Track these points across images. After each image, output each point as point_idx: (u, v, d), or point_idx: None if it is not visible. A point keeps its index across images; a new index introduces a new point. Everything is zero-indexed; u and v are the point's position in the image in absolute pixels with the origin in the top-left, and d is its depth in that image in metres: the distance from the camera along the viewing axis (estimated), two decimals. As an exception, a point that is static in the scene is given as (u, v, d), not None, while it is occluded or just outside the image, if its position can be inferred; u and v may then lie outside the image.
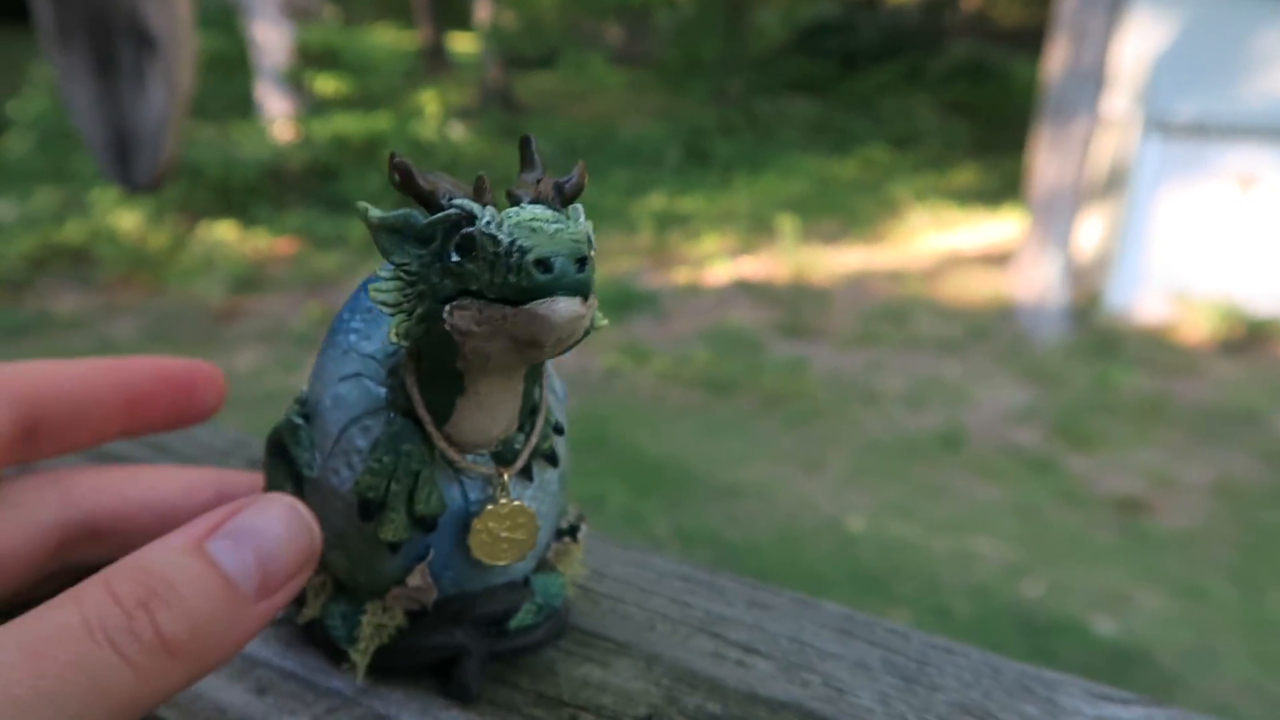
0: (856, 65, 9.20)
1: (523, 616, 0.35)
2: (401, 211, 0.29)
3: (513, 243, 0.26)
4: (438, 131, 6.54)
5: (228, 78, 6.66)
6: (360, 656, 0.33)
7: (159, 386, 0.38)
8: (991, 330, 4.79)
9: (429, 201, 0.29)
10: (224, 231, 5.24)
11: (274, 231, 5.39)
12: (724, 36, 9.15)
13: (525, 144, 0.31)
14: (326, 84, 5.98)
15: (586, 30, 10.93)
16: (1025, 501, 3.22)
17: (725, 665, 0.34)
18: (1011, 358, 4.47)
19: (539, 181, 0.30)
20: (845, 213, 6.43)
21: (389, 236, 0.29)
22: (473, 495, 0.33)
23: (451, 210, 0.28)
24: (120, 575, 0.24)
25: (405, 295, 0.28)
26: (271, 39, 5.97)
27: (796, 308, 4.91)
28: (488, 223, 0.27)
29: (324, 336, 0.34)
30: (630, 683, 0.33)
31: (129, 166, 1.15)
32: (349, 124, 5.81)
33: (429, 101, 6.57)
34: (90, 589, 0.23)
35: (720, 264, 5.49)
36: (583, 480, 3.12)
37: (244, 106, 6.42)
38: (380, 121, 5.97)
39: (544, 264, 0.26)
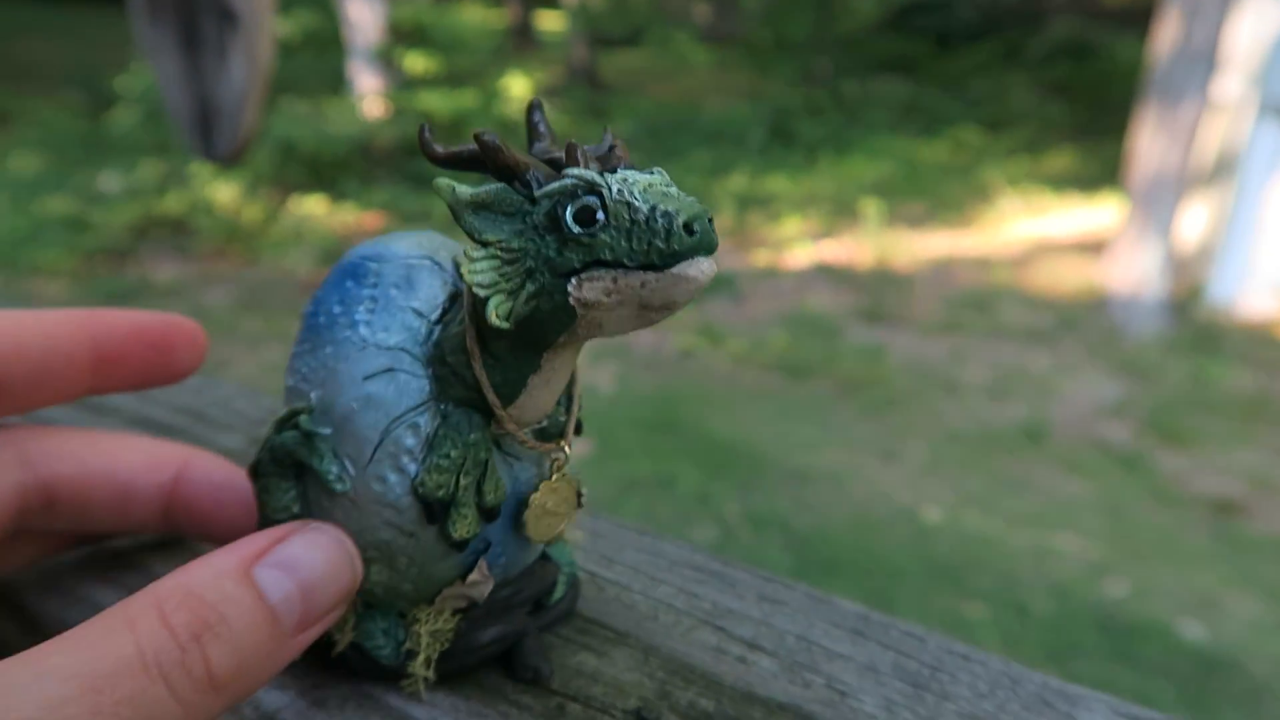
0: (951, 44, 8.93)
1: (557, 590, 0.35)
2: (495, 186, 0.27)
3: (654, 208, 0.26)
4: (523, 110, 6.57)
5: (321, 55, 6.82)
6: (422, 669, 0.31)
7: (132, 343, 0.35)
8: (1082, 321, 4.62)
9: (519, 175, 0.27)
10: (313, 205, 5.38)
11: (361, 206, 5.50)
12: (814, 15, 8.98)
13: (532, 112, 0.30)
14: (416, 61, 6.07)
15: (674, 8, 10.85)
16: (1112, 499, 3.11)
17: (726, 661, 0.32)
18: (1103, 350, 4.31)
19: (574, 150, 0.28)
20: (932, 196, 6.26)
21: (479, 214, 0.27)
22: (521, 476, 0.32)
23: (569, 180, 0.27)
24: (173, 600, 0.24)
25: (504, 274, 0.27)
26: (364, 17, 6.08)
27: (878, 293, 4.81)
28: (619, 190, 0.26)
29: (303, 334, 0.32)
30: (624, 674, 0.32)
31: (211, 138, 1.19)
32: (436, 101, 5.89)
33: (514, 80, 6.61)
34: (144, 615, 0.23)
35: (801, 247, 5.41)
36: (653, 461, 3.12)
37: (336, 83, 6.57)
38: (466, 99, 6.03)
39: (690, 226, 0.26)
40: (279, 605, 0.25)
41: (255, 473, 0.31)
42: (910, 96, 8.04)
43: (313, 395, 0.31)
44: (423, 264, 0.32)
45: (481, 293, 0.27)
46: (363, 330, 0.30)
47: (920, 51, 8.92)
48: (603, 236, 0.26)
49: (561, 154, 0.29)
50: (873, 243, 5.40)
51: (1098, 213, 6.02)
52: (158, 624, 0.23)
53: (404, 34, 6.11)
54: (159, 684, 0.22)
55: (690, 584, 0.37)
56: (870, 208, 5.68)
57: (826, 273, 5.05)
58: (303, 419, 0.30)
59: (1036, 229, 5.83)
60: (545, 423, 0.32)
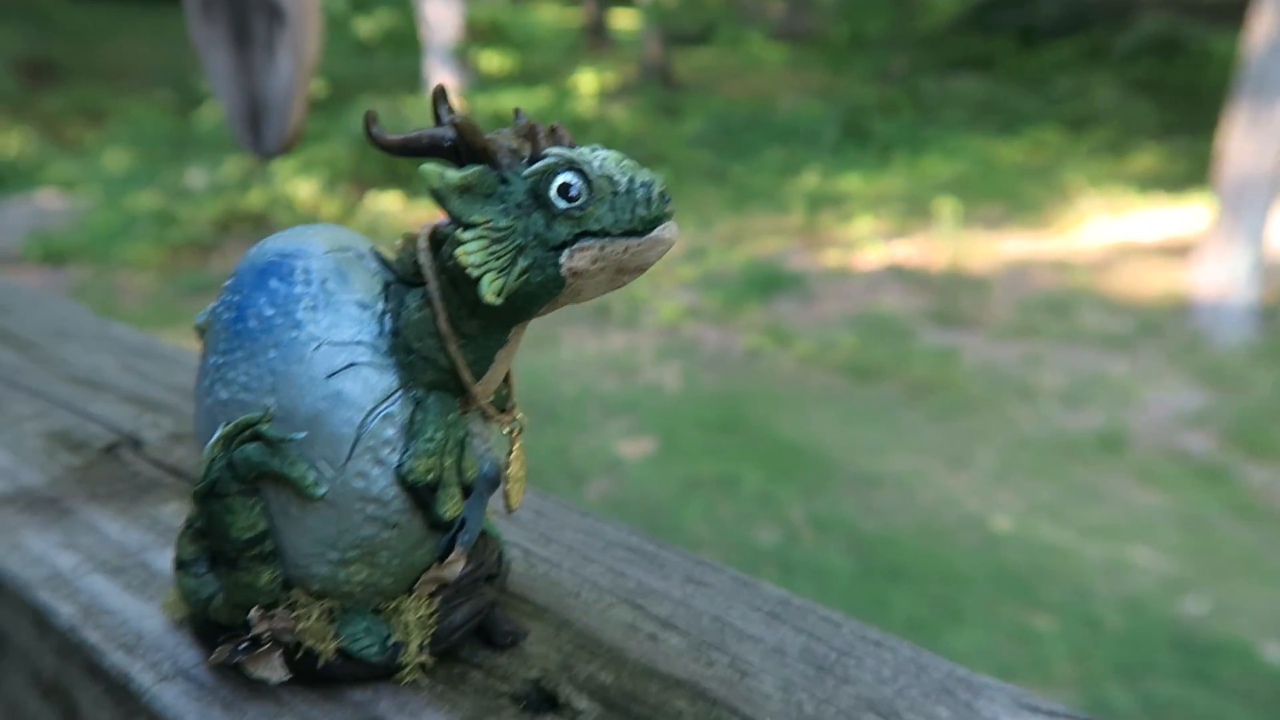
0: (1033, 41, 8.70)
1: (503, 560, 0.36)
2: (477, 168, 0.28)
3: (632, 179, 0.28)
4: (595, 108, 6.62)
5: (399, 54, 6.95)
6: (414, 657, 0.32)
7: None
8: (1165, 327, 4.47)
9: (490, 157, 0.29)
10: (389, 202, 5.49)
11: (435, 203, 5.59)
12: (891, 12, 8.83)
13: (437, 102, 0.30)
14: (491, 60, 6.14)
15: (748, 5, 10.77)
16: (1192, 512, 3.00)
17: (635, 638, 0.33)
18: (1186, 357, 4.16)
19: (530, 131, 0.30)
20: (1010, 197, 6.11)
21: (463, 197, 0.28)
22: (477, 449, 0.32)
23: (551, 158, 0.28)
24: None
25: (493, 253, 0.28)
26: (442, 16, 6.17)
27: (951, 295, 4.72)
28: (600, 165, 0.28)
29: (226, 343, 0.30)
30: (532, 646, 0.33)
31: (259, 134, 1.22)
32: (510, 100, 5.96)
33: (586, 78, 6.65)
34: None
35: (873, 247, 5.34)
36: (717, 461, 3.12)
37: (412, 82, 6.68)
38: (540, 97, 6.09)
39: (664, 194, 0.29)
40: None
41: (210, 494, 0.30)
42: (988, 94, 7.86)
43: (267, 403, 0.30)
44: (348, 256, 0.32)
45: (474, 272, 0.28)
46: (310, 329, 0.30)
47: (1000, 49, 8.70)
48: (590, 209, 0.28)
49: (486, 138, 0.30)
50: (947, 244, 5.29)
51: (1184, 215, 5.81)
52: None
53: (480, 32, 6.20)
54: None
55: (620, 563, 0.38)
56: (945, 208, 5.57)
57: (898, 274, 4.97)
58: (264, 428, 0.29)
59: (1118, 231, 5.65)
60: (492, 396, 0.33)
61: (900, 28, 8.80)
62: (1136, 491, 3.08)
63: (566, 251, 0.28)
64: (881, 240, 5.41)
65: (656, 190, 0.29)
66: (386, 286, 0.31)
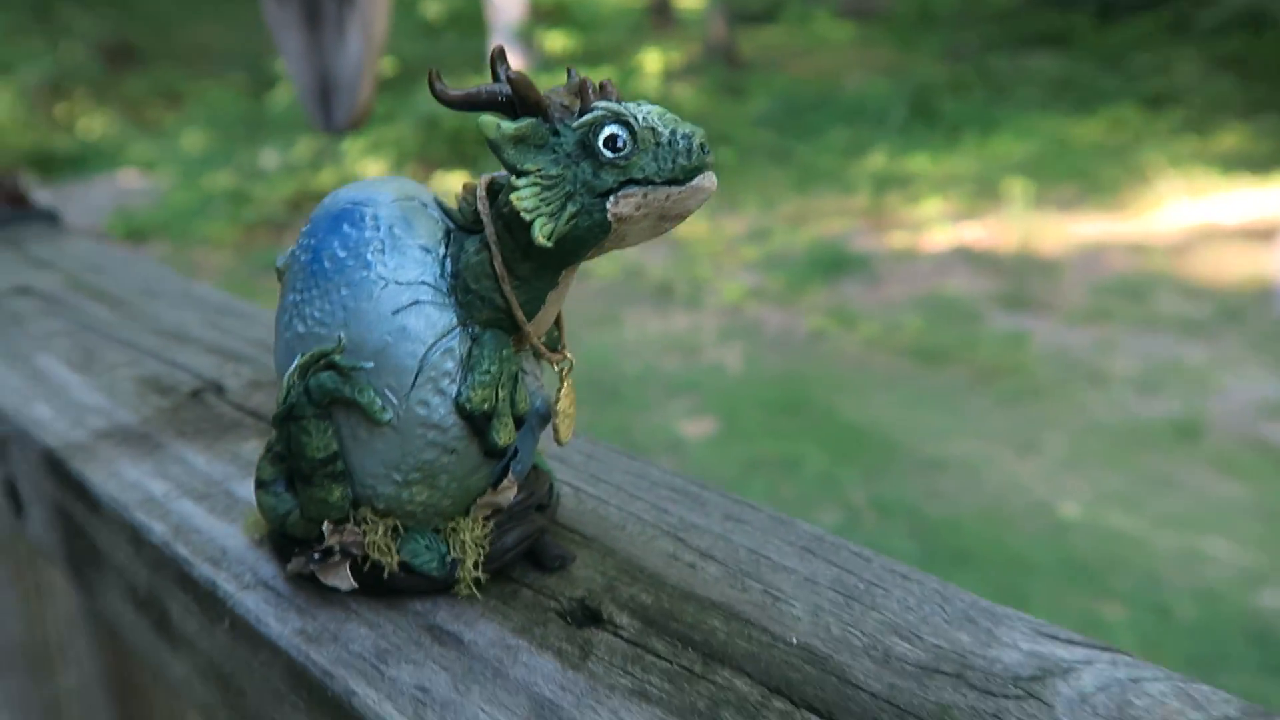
0: (1111, 16, 8.41)
1: (554, 492, 0.39)
2: (529, 120, 0.31)
3: (674, 132, 0.31)
4: (659, 88, 6.61)
5: (465, 35, 7.02)
6: (469, 573, 0.35)
7: None
8: (1247, 313, 4.32)
9: (543, 110, 0.31)
10: (455, 181, 5.58)
11: (501, 183, 5.66)
12: (963, -12, 8.63)
13: (495, 63, 0.33)
14: (556, 40, 6.18)
15: (816, -17, 10.61)
16: (1271, 503, 2.91)
17: (675, 566, 0.35)
18: (1269, 344, 4.02)
19: (580, 87, 0.32)
20: (1084, 178, 5.95)
21: (517, 147, 0.31)
22: (530, 387, 0.35)
23: (599, 111, 0.31)
24: None
25: (544, 199, 0.31)
26: (508, -2, 6.23)
27: (1021, 278, 4.62)
28: (644, 117, 0.31)
29: (303, 283, 0.33)
30: (579, 569, 0.35)
31: (330, 111, 1.26)
32: (575, 80, 5.99)
33: (650, 57, 6.64)
34: None
35: (940, 229, 5.25)
36: (779, 442, 3.12)
37: (478, 63, 6.76)
38: (604, 77, 6.11)
39: (704, 146, 0.31)
40: None
41: (289, 418, 0.33)
42: (1064, 72, 7.63)
43: (339, 336, 0.33)
44: (413, 204, 0.34)
45: (527, 216, 0.31)
46: (378, 269, 0.32)
47: (1077, 24, 8.44)
48: (634, 159, 0.30)
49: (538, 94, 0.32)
50: (1017, 225, 5.18)
51: (1270, 197, 5.59)
52: None
53: (545, 13, 6.23)
54: None
55: (664, 501, 0.40)
56: (1016, 189, 5.45)
57: (966, 256, 4.88)
58: (337, 358, 0.32)
59: (1199, 213, 5.46)
60: (543, 338, 0.36)
61: (971, 3, 8.60)
62: (1213, 481, 2.99)
63: (612, 198, 0.30)
64: (949, 222, 5.31)
65: (697, 141, 0.31)
66: (448, 233, 0.34)
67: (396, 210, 0.34)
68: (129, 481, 0.42)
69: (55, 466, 0.45)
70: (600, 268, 4.54)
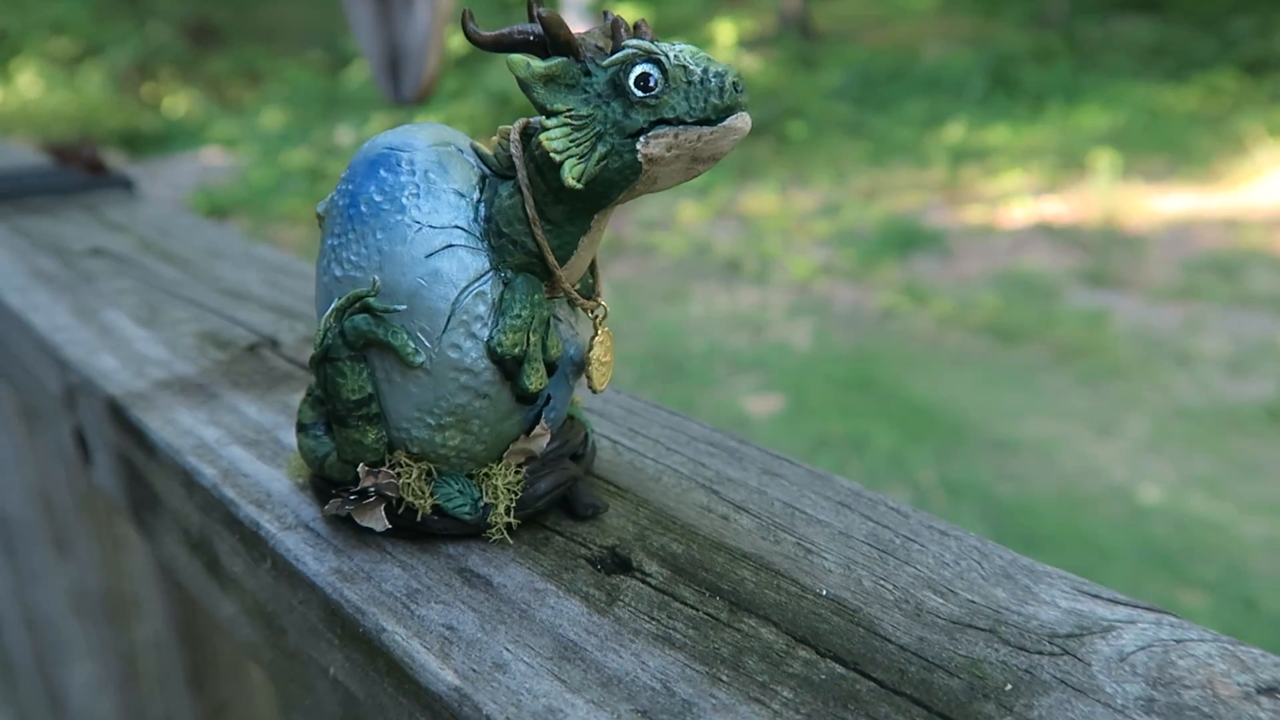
0: (1210, -21, 8.02)
1: (588, 442, 0.39)
2: (559, 59, 0.31)
3: (705, 70, 0.30)
4: (731, 60, 6.53)
5: (500, 18, 7.03)
6: (503, 517, 0.35)
7: None
8: (1348, 290, 4.11)
9: (574, 49, 0.31)
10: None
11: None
12: (1050, -48, 8.32)
13: (531, 5, 0.32)
14: (628, 14, 6.14)
15: (895, -48, 10.33)
16: (1367, 490, 2.77)
17: (709, 517, 0.34)
18: (1371, 323, 3.82)
19: (613, 26, 0.31)
20: (1175, 149, 5.71)
21: (547, 86, 0.31)
22: (564, 334, 0.35)
23: (630, 50, 0.30)
24: None
25: (574, 140, 0.30)
26: (579, -29, 6.22)
27: (1104, 254, 4.47)
28: (675, 56, 0.30)
29: (340, 226, 0.34)
30: (612, 519, 0.35)
31: (399, 81, 1.27)
32: (646, 54, 5.96)
33: (723, 28, 6.57)
34: None
35: (1019, 203, 5.10)
36: (847, 420, 3.08)
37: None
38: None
39: (736, 84, 0.30)
40: None
41: (325, 359, 0.33)
42: (1157, 37, 7.31)
43: (375, 278, 0.33)
44: (449, 150, 0.34)
45: (557, 157, 0.30)
46: (413, 214, 0.32)
47: (1173, -12, 8.07)
48: (665, 98, 0.30)
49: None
50: (1102, 199, 5.00)
51: (1379, 168, 5.29)
52: None
53: (617, -13, 6.20)
54: None
55: (701, 455, 0.40)
56: (1102, 161, 5.26)
57: (1046, 231, 4.74)
58: (371, 300, 0.33)
59: (1299, 186, 5.20)
60: (579, 285, 0.36)
61: (1060, -30, 8.28)
62: (1305, 466, 2.87)
63: (643, 138, 0.30)
64: (1029, 196, 5.16)
65: (729, 79, 0.30)
66: (483, 178, 0.34)
67: (432, 155, 0.34)
68: (184, 428, 0.44)
69: (117, 414, 0.47)
70: (668, 243, 4.53)
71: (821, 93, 6.65)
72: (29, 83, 7.41)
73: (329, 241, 0.35)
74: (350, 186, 0.34)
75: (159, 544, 0.46)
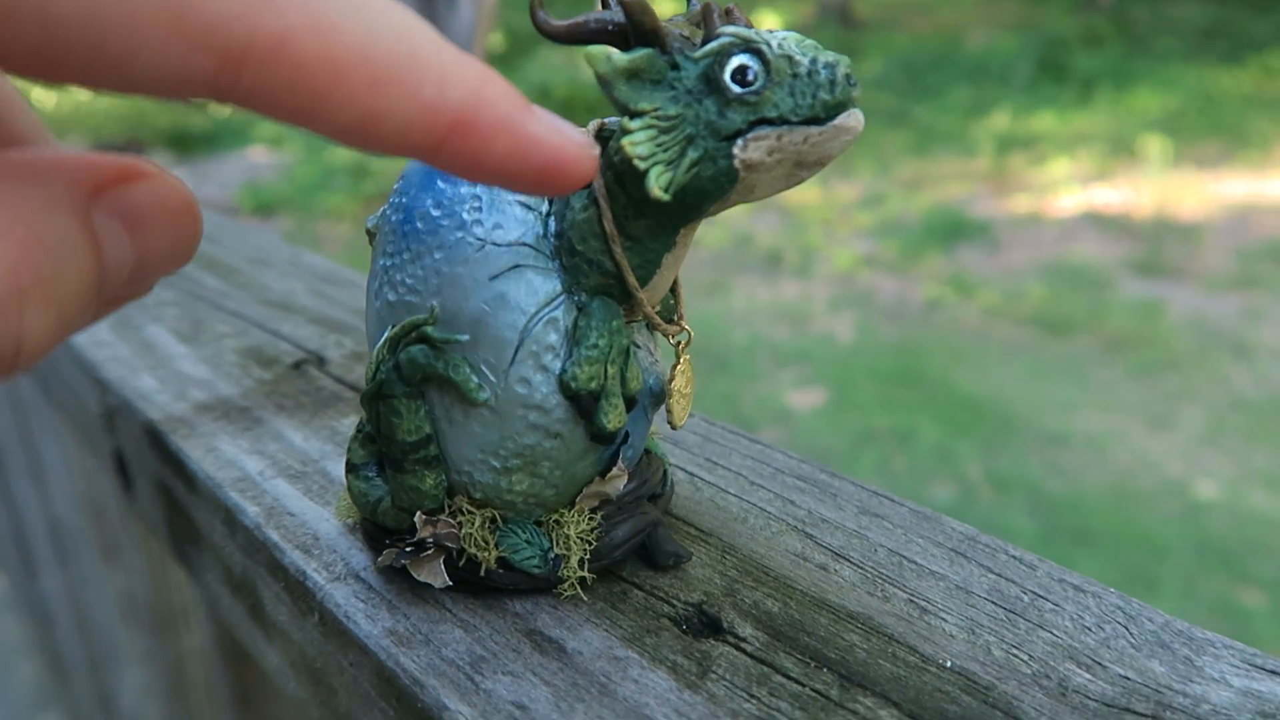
0: (1265, -42, 7.78)
1: (668, 480, 0.35)
2: (645, 51, 0.26)
3: (814, 60, 0.26)
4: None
5: (575, 6, 7.00)
6: (575, 571, 0.31)
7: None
8: None
9: (660, 39, 0.27)
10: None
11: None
12: (1098, -67, 8.13)
13: None
14: (665, 7, 6.10)
15: (936, -64, 10.16)
16: None
17: (804, 567, 0.30)
18: None
19: (704, 12, 0.27)
20: (1231, 134, 5.54)
21: (629, 83, 0.26)
22: (642, 363, 0.31)
23: (726, 38, 0.26)
24: None
25: (661, 144, 0.26)
26: (614, -37, 6.18)
27: (1157, 243, 4.35)
28: (779, 45, 0.26)
29: (394, 245, 0.30)
30: (696, 569, 0.31)
31: None
32: (684, 44, 5.93)
33: (763, 18, 6.49)
34: None
35: (1068, 191, 4.99)
36: (892, 414, 3.03)
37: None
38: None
39: (850, 77, 0.26)
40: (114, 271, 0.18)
41: (378, 396, 0.30)
42: (1211, 18, 7.11)
43: (432, 305, 0.29)
44: None
45: (642, 165, 0.26)
46: (476, 230, 0.29)
47: (1226, -33, 7.85)
48: (767, 94, 0.26)
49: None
50: (1154, 186, 4.87)
51: None
52: None
53: (655, -22, 6.17)
54: None
55: (790, 491, 0.36)
56: (1153, 147, 5.12)
57: (1096, 220, 4.63)
58: (429, 329, 0.29)
59: (1363, 170, 5.02)
60: (659, 307, 0.32)
61: (1108, -49, 8.09)
62: (1371, 461, 2.77)
63: (740, 141, 0.26)
64: (1078, 184, 5.04)
65: (841, 72, 0.26)
66: None
67: None
68: (226, 458, 0.41)
69: (156, 440, 0.44)
70: (709, 235, 4.48)
71: (863, 82, 6.54)
72: (78, 83, 7.54)
73: (381, 262, 0.31)
74: (404, 199, 0.30)
75: (201, 580, 0.44)
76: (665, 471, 0.35)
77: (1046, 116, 5.98)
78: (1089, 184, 5.04)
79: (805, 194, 4.99)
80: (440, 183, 0.30)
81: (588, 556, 0.31)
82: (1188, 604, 2.17)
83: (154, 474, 0.45)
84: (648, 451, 0.34)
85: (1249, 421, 2.97)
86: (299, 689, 0.35)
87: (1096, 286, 3.94)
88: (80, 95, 7.38)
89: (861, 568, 0.31)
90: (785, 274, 4.24)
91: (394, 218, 0.31)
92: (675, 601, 0.30)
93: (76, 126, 6.69)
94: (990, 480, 2.68)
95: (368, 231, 0.32)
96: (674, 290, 0.33)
